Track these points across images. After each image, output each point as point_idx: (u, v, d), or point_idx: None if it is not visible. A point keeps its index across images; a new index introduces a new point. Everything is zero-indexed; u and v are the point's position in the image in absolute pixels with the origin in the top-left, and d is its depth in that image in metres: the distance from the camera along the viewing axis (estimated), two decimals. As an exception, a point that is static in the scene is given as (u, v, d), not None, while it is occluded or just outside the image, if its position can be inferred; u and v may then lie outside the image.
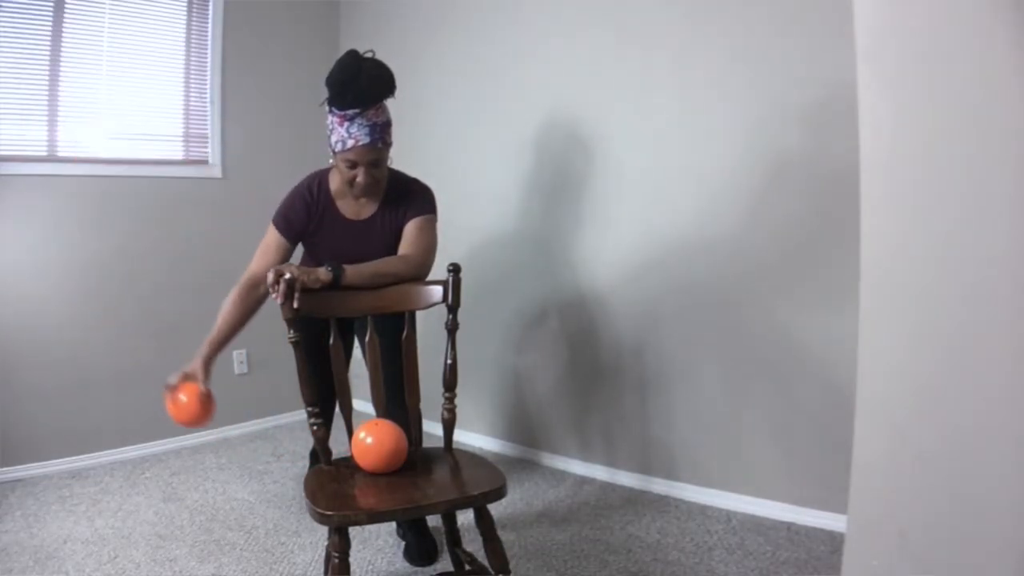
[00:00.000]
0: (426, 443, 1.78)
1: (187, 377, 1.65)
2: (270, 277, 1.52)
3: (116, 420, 2.82)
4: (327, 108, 1.75)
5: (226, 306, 1.75)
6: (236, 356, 3.19)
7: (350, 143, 1.70)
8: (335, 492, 1.44)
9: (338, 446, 1.64)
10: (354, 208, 1.89)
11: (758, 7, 2.15)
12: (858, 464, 1.22)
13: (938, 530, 1.13)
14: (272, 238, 1.87)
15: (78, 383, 2.73)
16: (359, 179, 1.75)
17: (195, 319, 3.08)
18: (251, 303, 1.78)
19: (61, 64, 2.67)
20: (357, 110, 1.68)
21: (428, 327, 2.11)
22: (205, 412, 1.63)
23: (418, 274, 1.74)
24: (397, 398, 1.76)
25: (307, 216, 1.87)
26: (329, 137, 1.76)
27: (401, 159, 1.94)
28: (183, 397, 1.62)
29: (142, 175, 2.91)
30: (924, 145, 1.13)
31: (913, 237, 1.15)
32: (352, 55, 1.70)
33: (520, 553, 2.04)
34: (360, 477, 1.52)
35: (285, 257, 1.87)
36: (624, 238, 2.51)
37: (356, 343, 2.12)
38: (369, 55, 1.72)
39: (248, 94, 3.17)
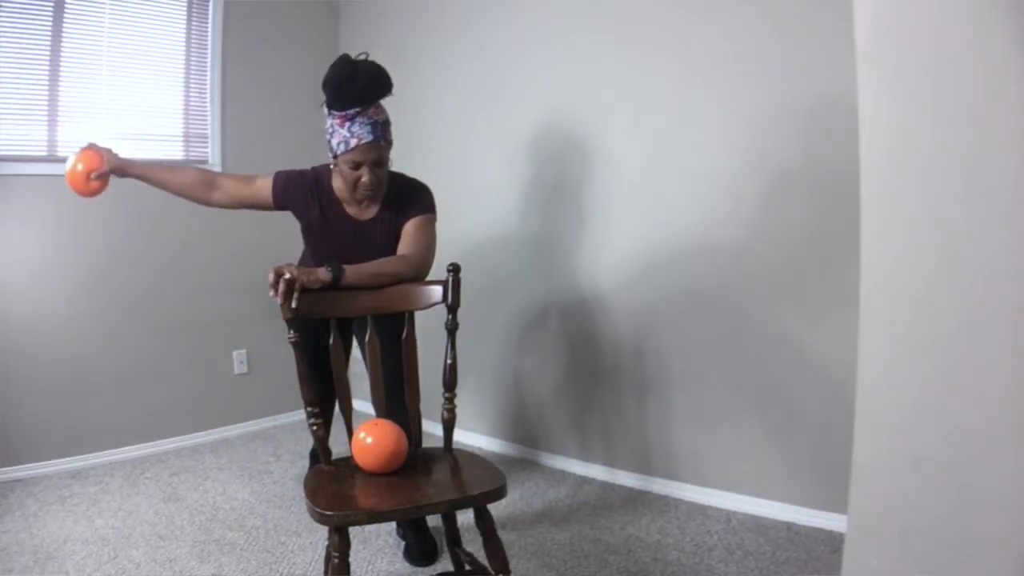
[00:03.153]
0: (426, 443, 1.78)
1: (96, 151, 1.82)
2: (270, 277, 1.51)
3: (116, 420, 2.82)
4: (326, 111, 1.74)
5: (177, 169, 1.91)
6: (236, 356, 3.18)
7: (353, 142, 1.70)
8: (335, 492, 1.44)
9: (338, 446, 1.64)
10: (356, 210, 1.89)
11: (758, 8, 2.15)
12: (858, 464, 1.22)
13: (938, 530, 1.13)
14: (263, 186, 1.90)
15: (78, 383, 2.73)
16: (364, 179, 1.75)
17: (195, 319, 3.13)
18: (190, 189, 1.90)
19: (61, 64, 2.67)
20: (358, 108, 1.68)
21: (428, 327, 2.11)
22: (85, 188, 1.82)
23: (418, 274, 1.74)
24: (397, 398, 1.75)
25: (305, 200, 1.86)
26: (329, 141, 1.76)
27: (400, 160, 1.95)
28: (80, 166, 1.80)
29: (142, 175, 2.91)
30: (924, 145, 1.13)
31: (913, 238, 1.15)
32: (346, 58, 1.71)
33: (520, 553, 2.04)
34: (360, 477, 1.52)
35: (255, 205, 1.92)
36: (624, 239, 2.51)
37: (356, 343, 2.12)
38: (363, 57, 1.72)
39: (248, 94, 3.17)
